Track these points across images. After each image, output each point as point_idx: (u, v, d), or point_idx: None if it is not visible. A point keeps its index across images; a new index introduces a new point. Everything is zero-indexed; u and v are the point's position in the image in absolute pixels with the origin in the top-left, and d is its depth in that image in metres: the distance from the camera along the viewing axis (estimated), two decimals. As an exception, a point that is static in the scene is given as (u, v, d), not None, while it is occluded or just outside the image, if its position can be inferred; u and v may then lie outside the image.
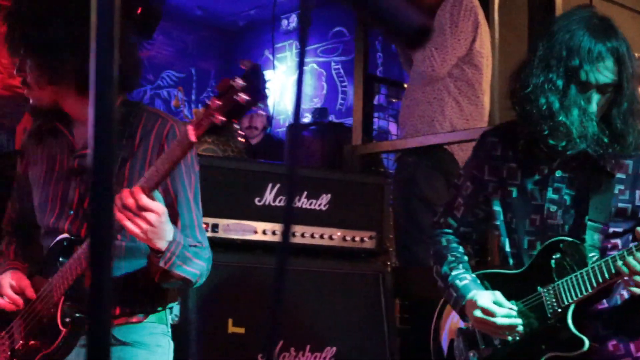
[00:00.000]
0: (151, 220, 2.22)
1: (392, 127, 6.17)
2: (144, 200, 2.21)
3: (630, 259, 2.25)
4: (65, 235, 2.52)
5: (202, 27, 7.52)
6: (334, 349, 3.96)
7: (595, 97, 2.39)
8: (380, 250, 4.21)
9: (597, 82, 2.37)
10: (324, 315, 3.99)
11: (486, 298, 2.49)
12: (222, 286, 3.63)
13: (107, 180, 0.81)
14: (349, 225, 4.14)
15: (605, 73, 2.36)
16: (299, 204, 4.02)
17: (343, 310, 4.04)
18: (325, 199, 4.10)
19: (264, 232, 3.92)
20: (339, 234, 4.10)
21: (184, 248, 2.38)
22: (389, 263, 4.31)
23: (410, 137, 4.79)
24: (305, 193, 4.05)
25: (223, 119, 2.05)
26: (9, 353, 2.59)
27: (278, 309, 1.11)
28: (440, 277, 2.71)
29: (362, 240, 4.15)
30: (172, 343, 2.68)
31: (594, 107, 2.38)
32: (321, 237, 4.06)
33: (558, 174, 2.52)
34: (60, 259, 2.48)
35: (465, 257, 2.71)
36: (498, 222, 2.64)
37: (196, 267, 2.44)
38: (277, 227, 3.95)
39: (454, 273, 2.64)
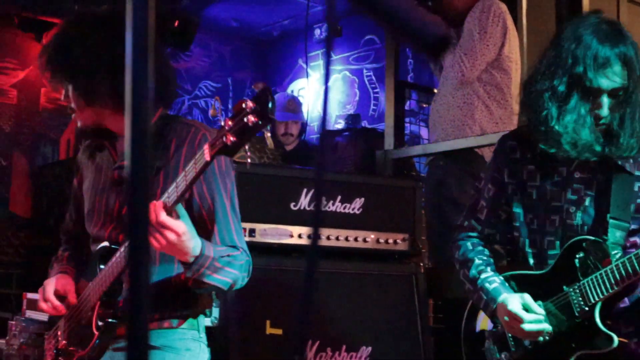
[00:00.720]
0: (170, 239, 2.24)
1: (424, 132, 6.18)
2: (163, 217, 2.23)
3: None
4: (105, 243, 2.56)
5: (238, 38, 7.56)
6: (369, 348, 3.98)
7: (607, 102, 2.37)
8: (413, 252, 4.21)
9: (604, 88, 2.36)
10: (359, 315, 4.00)
11: (516, 303, 2.47)
12: (260, 289, 3.65)
13: (143, 189, 0.83)
14: (382, 227, 4.15)
15: (613, 78, 2.34)
16: (333, 208, 4.04)
17: (378, 310, 4.05)
18: (358, 202, 4.12)
19: (300, 236, 3.95)
20: (372, 236, 4.11)
21: (213, 260, 2.40)
22: (421, 264, 4.31)
23: (441, 141, 4.80)
24: (339, 197, 4.07)
25: (233, 139, 2.06)
26: (53, 352, 2.65)
27: (307, 309, 1.12)
28: (468, 280, 2.70)
29: (395, 242, 4.16)
30: (204, 347, 2.67)
31: (605, 112, 2.37)
32: (355, 239, 4.07)
33: (576, 175, 2.51)
34: (101, 265, 2.53)
35: (491, 260, 2.69)
36: (518, 224, 2.63)
37: (228, 276, 2.46)
38: (311, 232, 3.98)
39: (482, 276, 2.63)
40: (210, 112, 7.23)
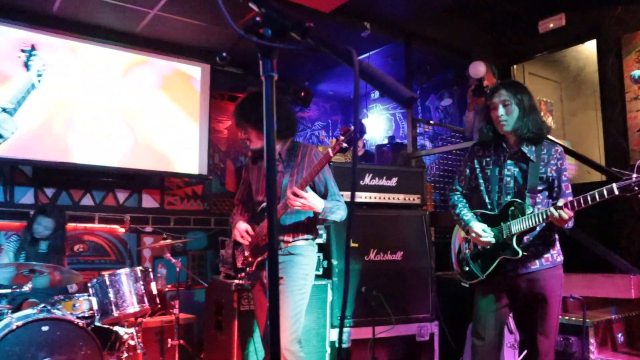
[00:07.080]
0: (302, 202, 2.31)
1: (427, 143, 6.05)
2: (297, 190, 2.30)
3: (560, 212, 2.16)
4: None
5: (332, 99, 7.56)
6: (402, 252, 3.95)
7: None
8: (423, 204, 4.14)
9: None
10: (396, 236, 3.97)
11: (478, 226, 2.44)
12: (345, 224, 3.67)
13: (272, 176, 0.87)
14: (406, 192, 4.10)
15: None
16: (381, 183, 4.02)
17: (406, 233, 4.01)
18: (394, 180, 4.07)
19: (365, 197, 3.95)
20: (401, 196, 4.07)
21: (331, 208, 2.43)
22: (427, 211, 4.25)
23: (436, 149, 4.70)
24: (385, 177, 4.04)
25: (346, 145, 2.12)
26: (242, 258, 2.64)
27: (350, 238, 1.11)
28: (455, 215, 2.62)
29: (413, 199, 4.10)
30: (317, 255, 2.70)
31: None
32: (393, 198, 4.04)
33: (509, 161, 2.44)
34: (266, 213, 2.57)
35: (467, 205, 2.61)
36: (482, 188, 2.54)
37: (339, 214, 2.47)
38: (371, 195, 3.98)
39: (462, 212, 2.56)
40: (320, 136, 7.34)
